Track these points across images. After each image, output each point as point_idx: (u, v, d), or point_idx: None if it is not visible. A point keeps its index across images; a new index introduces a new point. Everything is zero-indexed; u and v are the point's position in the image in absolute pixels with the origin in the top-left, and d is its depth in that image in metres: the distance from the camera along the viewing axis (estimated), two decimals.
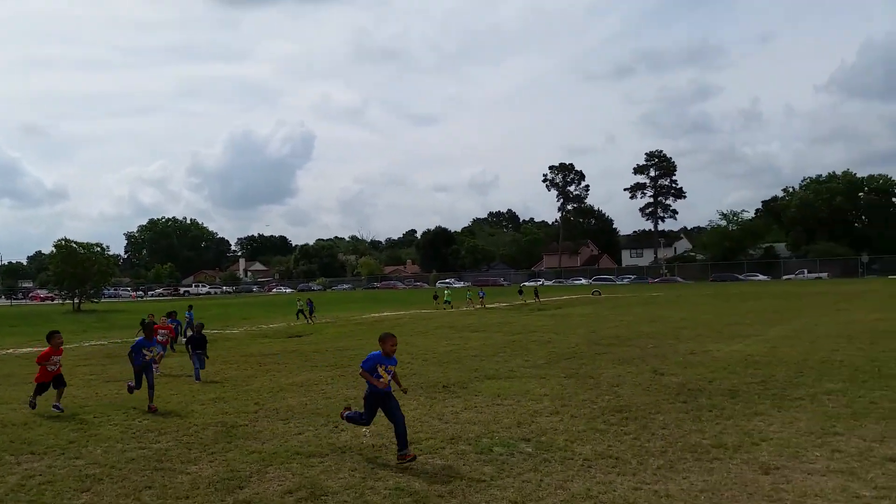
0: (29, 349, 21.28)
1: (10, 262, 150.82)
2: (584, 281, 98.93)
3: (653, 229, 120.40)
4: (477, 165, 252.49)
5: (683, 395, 9.98)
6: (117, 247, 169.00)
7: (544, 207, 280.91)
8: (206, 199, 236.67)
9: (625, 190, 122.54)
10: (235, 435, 8.39)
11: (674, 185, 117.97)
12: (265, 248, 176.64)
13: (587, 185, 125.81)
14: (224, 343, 21.44)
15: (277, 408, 10.13)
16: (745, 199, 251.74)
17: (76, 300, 54.58)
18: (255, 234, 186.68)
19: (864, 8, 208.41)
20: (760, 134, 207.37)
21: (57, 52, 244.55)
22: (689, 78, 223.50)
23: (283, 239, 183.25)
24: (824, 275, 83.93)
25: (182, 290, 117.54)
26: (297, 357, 16.98)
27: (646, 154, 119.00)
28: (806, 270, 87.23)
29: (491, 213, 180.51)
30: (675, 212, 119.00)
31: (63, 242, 54.67)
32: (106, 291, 72.91)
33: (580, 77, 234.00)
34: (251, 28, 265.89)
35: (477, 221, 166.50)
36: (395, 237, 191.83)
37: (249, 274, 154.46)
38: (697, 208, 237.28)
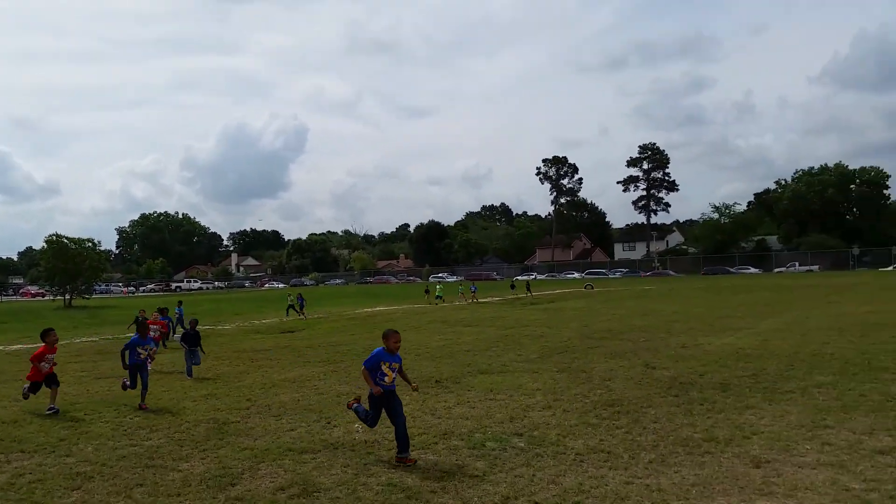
0: (19, 346, 21.17)
1: (0, 258, 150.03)
2: (576, 275, 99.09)
3: (645, 222, 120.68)
4: (470, 158, 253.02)
5: (675, 389, 10.02)
6: (109, 242, 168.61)
7: (538, 201, 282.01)
8: (198, 193, 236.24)
9: (618, 183, 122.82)
10: (227, 432, 8.38)
11: (667, 177, 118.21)
12: (257, 242, 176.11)
13: (580, 179, 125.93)
14: (216, 339, 21.38)
15: (269, 404, 10.11)
16: (738, 192, 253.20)
17: (67, 296, 54.38)
18: (248, 229, 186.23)
19: None
20: (753, 126, 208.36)
21: (48, 44, 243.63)
22: (683, 70, 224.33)
23: (275, 233, 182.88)
24: (815, 267, 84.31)
25: (174, 285, 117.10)
26: (289, 353, 16.95)
27: (639, 147, 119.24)
28: (797, 263, 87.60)
29: (484, 207, 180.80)
30: (667, 205, 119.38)
31: (54, 238, 54.48)
32: (97, 287, 72.68)
33: (573, 69, 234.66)
34: (243, 20, 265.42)
35: (470, 215, 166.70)
36: (388, 231, 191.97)
37: (241, 269, 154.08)
38: (690, 201, 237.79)
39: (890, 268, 77.74)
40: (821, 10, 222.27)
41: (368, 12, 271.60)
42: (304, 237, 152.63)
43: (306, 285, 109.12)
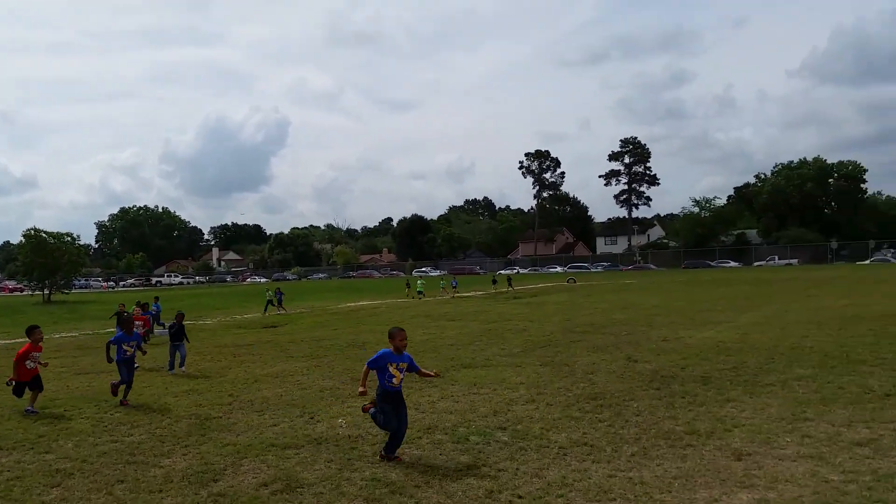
0: None
1: None
2: (559, 269, 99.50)
3: (627, 216, 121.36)
4: (453, 152, 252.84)
5: (657, 382, 10.09)
6: (88, 236, 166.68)
7: (520, 195, 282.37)
8: (178, 186, 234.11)
9: (600, 177, 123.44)
10: (209, 427, 8.32)
11: (648, 171, 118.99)
12: (239, 236, 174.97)
13: (563, 173, 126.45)
14: (198, 334, 21.22)
15: (252, 399, 10.06)
16: (718, 186, 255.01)
17: (46, 291, 53.74)
18: (229, 223, 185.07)
19: None
20: (734, 120, 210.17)
21: (24, 35, 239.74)
22: (664, 64, 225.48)
23: (257, 227, 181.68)
24: (794, 261, 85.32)
25: (154, 280, 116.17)
26: (272, 348, 16.87)
27: (620, 141, 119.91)
28: (777, 257, 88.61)
29: (467, 201, 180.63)
30: (648, 199, 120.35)
31: (32, 232, 53.77)
32: (76, 282, 71.84)
33: (556, 63, 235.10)
34: (223, 11, 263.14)
35: (453, 209, 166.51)
36: (371, 225, 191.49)
37: (223, 263, 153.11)
38: (671, 195, 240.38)
39: (867, 261, 78.82)
40: (800, 3, 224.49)
41: (349, 3, 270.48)
42: (286, 231, 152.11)
43: (288, 280, 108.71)
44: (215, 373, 12.99)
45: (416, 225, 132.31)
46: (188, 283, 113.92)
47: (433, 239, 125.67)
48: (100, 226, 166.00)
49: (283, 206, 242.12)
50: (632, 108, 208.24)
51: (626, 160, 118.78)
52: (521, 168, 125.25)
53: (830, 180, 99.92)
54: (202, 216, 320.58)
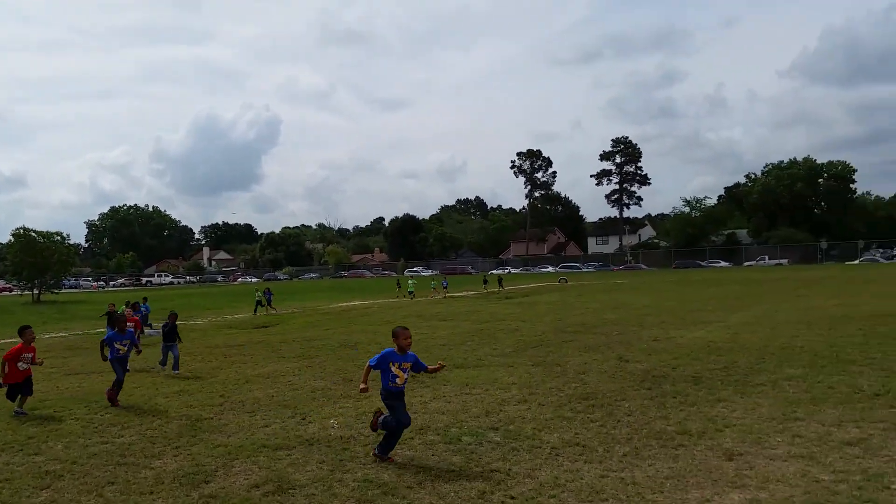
0: None
1: None
2: (550, 268, 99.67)
3: (618, 216, 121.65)
4: (445, 151, 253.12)
5: (648, 382, 10.11)
6: (78, 235, 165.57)
7: (512, 194, 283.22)
8: (168, 185, 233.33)
9: (591, 176, 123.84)
10: (200, 428, 8.28)
11: (639, 171, 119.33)
12: (230, 236, 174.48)
13: (554, 172, 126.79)
14: (188, 334, 21.13)
15: (243, 400, 10.02)
16: (708, 186, 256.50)
17: (36, 291, 53.41)
18: (220, 222, 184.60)
19: None
20: (724, 119, 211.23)
21: (13, 32, 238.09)
22: (656, 63, 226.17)
23: (248, 227, 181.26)
24: (784, 261, 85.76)
25: (144, 279, 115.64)
26: (263, 348, 16.82)
27: (612, 140, 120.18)
28: (767, 257, 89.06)
29: (459, 201, 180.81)
30: (640, 198, 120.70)
31: (21, 231, 53.43)
32: (66, 282, 71.43)
33: (548, 62, 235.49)
34: (214, 9, 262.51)
35: (445, 209, 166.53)
36: (363, 225, 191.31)
37: (214, 263, 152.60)
38: (662, 195, 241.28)
39: (856, 261, 79.32)
40: (790, 4, 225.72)
41: (341, 2, 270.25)
42: (277, 231, 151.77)
43: (280, 279, 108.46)
44: (206, 373, 12.94)
45: (407, 224, 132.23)
46: (178, 282, 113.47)
47: (425, 238, 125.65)
48: (90, 225, 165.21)
49: (274, 206, 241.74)
50: (623, 107, 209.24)
51: (618, 160, 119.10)
52: (512, 167, 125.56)
53: (820, 180, 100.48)
54: (193, 215, 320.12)
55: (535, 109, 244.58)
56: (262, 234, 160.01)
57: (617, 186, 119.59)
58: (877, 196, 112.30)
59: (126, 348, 10.38)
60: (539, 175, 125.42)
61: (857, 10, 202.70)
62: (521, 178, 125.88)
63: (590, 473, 6.06)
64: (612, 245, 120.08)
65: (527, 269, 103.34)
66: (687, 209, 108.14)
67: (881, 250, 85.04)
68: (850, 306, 21.46)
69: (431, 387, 10.39)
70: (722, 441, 6.88)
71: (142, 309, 22.46)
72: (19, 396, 9.58)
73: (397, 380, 6.73)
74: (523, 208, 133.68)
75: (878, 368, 10.43)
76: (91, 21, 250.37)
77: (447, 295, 40.32)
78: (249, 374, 12.64)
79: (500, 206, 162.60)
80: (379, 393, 6.93)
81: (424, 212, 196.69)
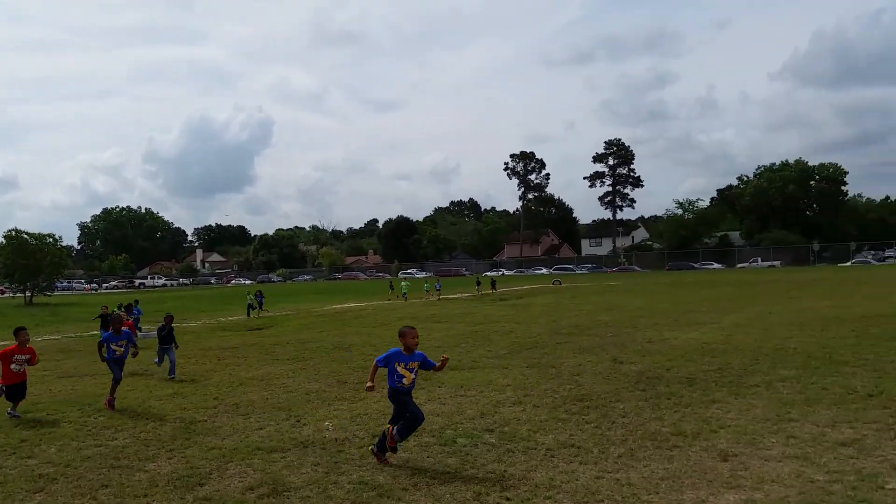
0: None
1: None
2: (544, 270, 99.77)
3: (611, 218, 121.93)
4: (439, 153, 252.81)
5: (642, 384, 10.13)
6: (70, 237, 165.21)
7: (506, 196, 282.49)
8: (161, 187, 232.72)
9: (584, 178, 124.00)
10: (194, 431, 8.26)
11: (632, 173, 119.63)
12: (223, 238, 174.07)
13: (548, 174, 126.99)
14: (182, 336, 20.98)
15: (237, 403, 9.99)
16: (701, 188, 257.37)
17: (28, 293, 53.14)
18: (213, 224, 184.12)
19: None
20: (716, 121, 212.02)
21: (5, 32, 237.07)
22: (648, 65, 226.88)
23: (241, 229, 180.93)
24: (777, 263, 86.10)
25: (137, 282, 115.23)
26: (257, 350, 16.77)
27: (605, 142, 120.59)
28: (759, 259, 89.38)
29: (453, 202, 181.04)
30: (633, 200, 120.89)
31: (13, 233, 53.19)
32: (59, 284, 71.14)
33: (541, 63, 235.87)
34: (207, 10, 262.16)
35: (439, 210, 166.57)
36: (357, 226, 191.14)
37: (207, 265, 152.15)
38: (655, 197, 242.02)
39: (848, 263, 79.70)
40: (780, 7, 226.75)
41: (334, 2, 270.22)
42: (270, 233, 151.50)
43: (273, 282, 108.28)
44: (200, 376, 12.89)
45: (401, 226, 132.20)
46: (172, 284, 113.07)
47: (419, 240, 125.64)
48: (82, 227, 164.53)
49: (267, 208, 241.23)
50: (616, 109, 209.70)
51: (611, 162, 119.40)
52: (506, 169, 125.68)
53: (812, 182, 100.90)
54: (186, 217, 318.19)
55: (528, 111, 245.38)
56: (255, 235, 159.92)
57: (610, 188, 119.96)
58: (868, 198, 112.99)
59: (122, 349, 10.27)
60: (532, 177, 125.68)
61: (847, 14, 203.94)
62: (515, 180, 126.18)
63: (585, 475, 6.06)
64: (605, 247, 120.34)
65: (521, 271, 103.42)
66: (679, 211, 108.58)
67: (873, 252, 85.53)
68: (842, 308, 21.56)
69: (426, 389, 10.37)
70: (717, 442, 6.90)
71: (134, 312, 22.36)
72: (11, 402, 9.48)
73: (404, 380, 6.65)
74: (517, 210, 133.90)
75: (871, 369, 10.48)
76: (83, 21, 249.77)
77: (440, 297, 40.30)
78: (243, 376, 12.60)
79: (493, 208, 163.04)
80: (388, 397, 6.85)
81: (418, 213, 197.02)
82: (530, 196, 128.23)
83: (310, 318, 27.60)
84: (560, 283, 55.05)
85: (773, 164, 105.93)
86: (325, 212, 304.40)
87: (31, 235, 53.46)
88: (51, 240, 54.70)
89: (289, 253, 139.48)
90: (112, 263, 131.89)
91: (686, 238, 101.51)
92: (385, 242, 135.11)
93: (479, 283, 47.15)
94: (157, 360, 13.29)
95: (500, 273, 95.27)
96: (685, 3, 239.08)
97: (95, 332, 19.24)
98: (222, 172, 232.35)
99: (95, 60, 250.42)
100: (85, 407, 9.98)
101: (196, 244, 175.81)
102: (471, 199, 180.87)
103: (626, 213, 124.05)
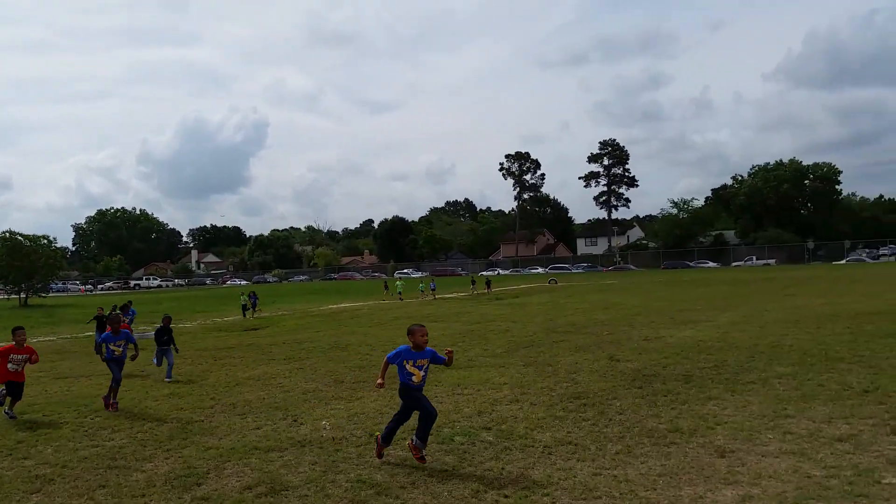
0: None
1: None
2: (540, 270, 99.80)
3: (607, 218, 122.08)
4: (434, 153, 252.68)
5: (639, 381, 10.15)
6: (65, 239, 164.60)
7: (501, 196, 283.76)
8: (155, 188, 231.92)
9: (579, 178, 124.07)
10: (191, 431, 8.24)
11: (627, 173, 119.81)
12: (218, 239, 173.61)
13: (543, 174, 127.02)
14: (178, 337, 20.88)
15: (234, 402, 9.98)
16: (695, 187, 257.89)
17: (23, 294, 52.97)
18: (208, 225, 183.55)
19: None
20: (710, 122, 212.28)
21: None
22: (642, 66, 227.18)
23: (236, 230, 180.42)
24: (772, 261, 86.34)
25: (132, 283, 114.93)
26: (253, 350, 16.75)
27: (599, 143, 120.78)
28: (755, 257, 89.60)
29: (448, 203, 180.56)
30: (627, 200, 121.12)
31: (7, 235, 52.98)
32: (54, 285, 70.91)
33: (536, 64, 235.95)
34: (201, 11, 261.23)
35: (434, 211, 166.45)
36: (353, 227, 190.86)
37: (202, 266, 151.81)
38: (650, 196, 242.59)
39: (843, 261, 79.95)
40: (774, 8, 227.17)
41: (328, 4, 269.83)
42: (266, 233, 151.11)
43: (269, 282, 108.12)
44: (196, 376, 12.88)
45: (397, 226, 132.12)
46: (167, 285, 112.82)
47: (415, 240, 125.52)
48: (77, 228, 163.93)
49: (262, 208, 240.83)
50: (611, 110, 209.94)
51: (606, 162, 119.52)
52: (501, 169, 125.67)
53: (806, 182, 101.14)
54: (181, 218, 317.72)
55: (523, 112, 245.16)
56: (250, 236, 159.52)
57: (605, 188, 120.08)
58: (862, 197, 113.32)
59: (121, 349, 10.13)
60: (528, 177, 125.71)
61: (840, 15, 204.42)
62: (510, 181, 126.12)
63: (583, 471, 6.07)
64: (600, 246, 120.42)
65: (517, 271, 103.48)
66: (674, 211, 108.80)
67: (867, 250, 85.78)
68: (837, 305, 21.63)
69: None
70: (713, 438, 6.91)
71: (129, 313, 22.25)
72: (8, 399, 9.40)
73: (413, 378, 6.62)
74: (512, 210, 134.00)
75: (867, 366, 10.52)
76: (77, 22, 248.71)
77: (436, 296, 40.28)
78: (240, 376, 12.59)
79: (489, 208, 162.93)
80: (398, 393, 6.83)
81: (413, 214, 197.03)
82: (525, 196, 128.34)
83: (306, 318, 27.58)
84: (556, 283, 55.09)
85: (768, 163, 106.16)
86: (321, 212, 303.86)
87: (26, 237, 53.28)
88: (45, 241, 54.53)
89: (284, 253, 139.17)
90: (107, 264, 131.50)
91: (681, 237, 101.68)
92: (381, 243, 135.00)
93: (473, 283, 47.13)
94: (155, 360, 13.20)
95: (496, 273, 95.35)
96: (679, 5, 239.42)
97: (91, 334, 19.17)
98: (217, 173, 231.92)
99: (89, 62, 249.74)
100: (81, 408, 9.96)
101: (191, 245, 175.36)
102: (466, 200, 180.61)
103: (621, 213, 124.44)
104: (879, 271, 49.68)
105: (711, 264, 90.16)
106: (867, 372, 10.01)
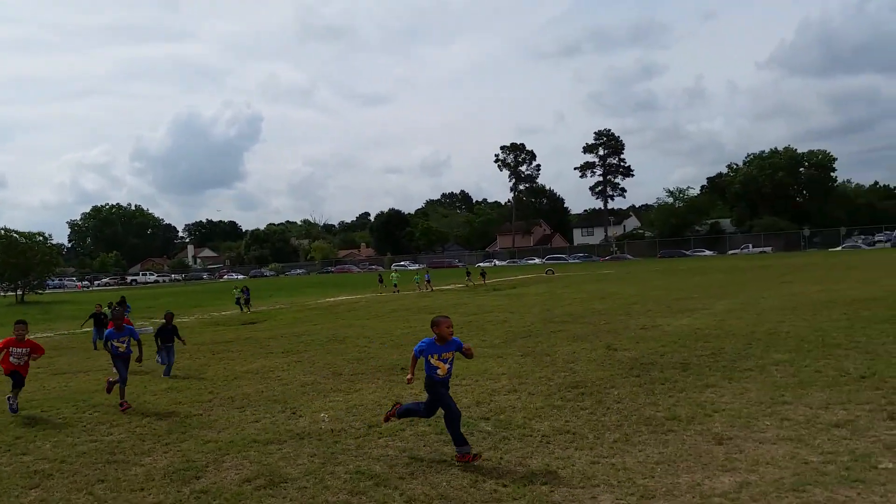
0: None
1: None
2: (537, 260, 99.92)
3: (603, 208, 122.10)
4: (429, 146, 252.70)
5: (637, 370, 10.16)
6: (60, 236, 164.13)
7: (497, 188, 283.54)
8: (150, 184, 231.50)
9: (575, 169, 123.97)
10: (190, 425, 8.24)
11: (622, 163, 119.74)
12: (214, 233, 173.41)
13: (538, 165, 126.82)
14: None
15: (233, 396, 9.98)
16: (691, 176, 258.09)
17: (19, 292, 52.87)
18: (204, 220, 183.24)
19: None
20: (704, 111, 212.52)
21: None
22: (636, 56, 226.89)
23: (232, 224, 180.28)
24: (768, 249, 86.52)
25: (129, 278, 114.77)
26: (251, 344, 16.75)
27: (594, 133, 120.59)
28: (751, 245, 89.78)
29: (444, 195, 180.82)
30: (623, 190, 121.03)
31: (3, 232, 52.78)
32: (50, 282, 70.77)
33: (530, 56, 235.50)
34: (193, 6, 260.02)
35: (430, 203, 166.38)
36: (349, 220, 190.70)
37: (199, 261, 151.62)
38: (645, 186, 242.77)
39: (839, 248, 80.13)
40: None
41: None
42: (262, 227, 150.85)
43: (266, 276, 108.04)
44: (194, 370, 12.87)
45: (393, 219, 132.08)
46: (164, 281, 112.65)
47: (411, 233, 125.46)
48: (72, 225, 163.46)
49: (258, 203, 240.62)
50: (605, 100, 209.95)
51: (601, 152, 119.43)
52: (496, 161, 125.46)
53: (801, 169, 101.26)
54: (176, 213, 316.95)
55: (518, 103, 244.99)
56: (246, 231, 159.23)
57: (601, 178, 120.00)
58: (857, 184, 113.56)
59: (125, 345, 9.88)
60: (523, 168, 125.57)
61: (832, 3, 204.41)
62: (506, 172, 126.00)
63: (581, 460, 6.08)
64: (597, 236, 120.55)
65: (513, 262, 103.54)
66: (670, 200, 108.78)
67: (863, 237, 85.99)
68: (833, 292, 21.67)
69: (421, 379, 10.35)
70: (711, 426, 6.93)
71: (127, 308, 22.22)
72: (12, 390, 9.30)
73: (438, 371, 6.44)
74: (508, 201, 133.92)
75: (863, 351, 10.54)
76: (68, 20, 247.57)
77: (433, 288, 40.28)
78: (238, 370, 12.58)
79: (485, 200, 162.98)
80: (411, 383, 6.88)
81: (409, 206, 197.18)
82: (521, 187, 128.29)
83: (303, 312, 27.56)
84: (553, 273, 55.13)
85: (763, 151, 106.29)
86: (317, 206, 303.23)
87: (21, 234, 53.15)
88: (41, 238, 54.39)
89: (281, 247, 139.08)
90: (103, 261, 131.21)
91: (677, 226, 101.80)
92: (377, 235, 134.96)
93: (468, 275, 47.13)
94: (159, 359, 13.08)
95: (492, 264, 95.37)
96: None
97: (88, 330, 19.13)
98: (212, 168, 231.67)
99: (81, 59, 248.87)
100: (79, 403, 9.95)
101: (187, 240, 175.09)
102: (462, 192, 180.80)
103: (617, 203, 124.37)
104: (875, 258, 49.81)
105: (708, 253, 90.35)
106: (864, 358, 10.03)
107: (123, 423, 8.50)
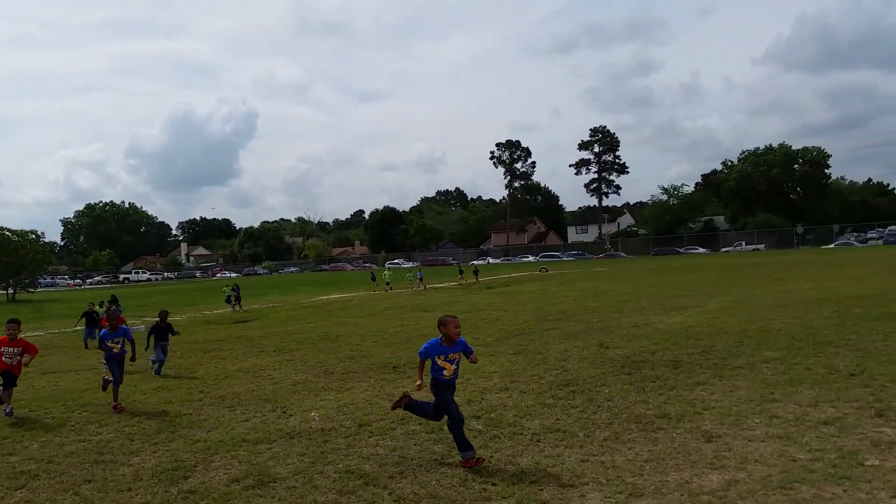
0: None
1: None
2: (531, 258, 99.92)
3: (597, 205, 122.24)
4: (424, 143, 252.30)
5: (628, 368, 10.17)
6: (53, 233, 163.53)
7: (492, 185, 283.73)
8: (144, 181, 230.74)
9: (570, 166, 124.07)
10: (179, 424, 8.21)
11: (617, 160, 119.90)
12: (208, 231, 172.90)
13: (533, 162, 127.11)
14: None
15: (223, 395, 9.94)
16: (685, 173, 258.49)
17: (10, 290, 52.64)
18: (198, 218, 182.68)
19: None
20: (700, 107, 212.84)
21: None
22: (631, 52, 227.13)
23: (226, 222, 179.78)
24: (761, 246, 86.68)
25: (122, 277, 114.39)
26: (243, 343, 16.70)
27: (590, 130, 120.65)
28: (744, 242, 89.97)
29: (439, 192, 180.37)
30: (618, 187, 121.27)
31: None
32: (42, 280, 70.50)
33: (525, 52, 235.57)
34: (188, 2, 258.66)
35: (425, 200, 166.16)
36: (343, 218, 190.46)
37: (192, 259, 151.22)
38: (640, 183, 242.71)
39: (832, 245, 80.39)
40: None
41: None
42: (256, 225, 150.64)
43: (260, 274, 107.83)
44: (185, 369, 12.83)
45: (388, 217, 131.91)
46: (156, 279, 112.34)
47: (406, 230, 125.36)
48: (65, 223, 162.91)
49: (252, 200, 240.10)
50: (601, 97, 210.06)
51: (596, 149, 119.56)
52: (492, 158, 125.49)
53: (796, 166, 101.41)
54: (170, 211, 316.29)
55: (513, 100, 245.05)
56: (240, 228, 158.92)
57: (595, 175, 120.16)
58: (851, 181, 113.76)
59: (119, 346, 9.69)
60: (518, 165, 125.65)
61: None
62: (501, 169, 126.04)
63: (570, 458, 6.08)
64: (591, 234, 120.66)
65: (507, 259, 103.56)
66: (664, 197, 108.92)
67: (856, 234, 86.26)
68: (825, 289, 21.74)
69: (413, 377, 10.35)
70: (701, 423, 6.93)
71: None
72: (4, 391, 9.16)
73: (444, 372, 6.27)
74: (503, 199, 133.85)
75: (854, 349, 10.57)
76: (61, 17, 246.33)
77: (426, 286, 40.25)
78: (229, 368, 12.55)
79: (480, 197, 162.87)
80: (421, 389, 6.58)
81: (404, 204, 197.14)
82: (516, 184, 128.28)
83: (296, 310, 27.51)
84: (547, 271, 55.17)
85: (758, 148, 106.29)
86: (312, 204, 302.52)
87: (13, 232, 52.93)
88: (33, 236, 54.20)
89: (274, 245, 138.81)
90: (96, 259, 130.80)
91: (671, 223, 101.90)
92: (372, 233, 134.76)
93: (461, 272, 47.09)
94: (153, 357, 13.00)
95: (486, 261, 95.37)
96: None
97: (80, 329, 19.05)
98: (206, 166, 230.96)
99: (75, 56, 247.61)
100: (69, 402, 9.90)
101: (181, 238, 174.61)
102: (457, 189, 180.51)
103: (611, 200, 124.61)
104: (867, 255, 50.00)
105: (701, 250, 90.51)
106: (854, 355, 10.06)
107: (112, 423, 8.46)
